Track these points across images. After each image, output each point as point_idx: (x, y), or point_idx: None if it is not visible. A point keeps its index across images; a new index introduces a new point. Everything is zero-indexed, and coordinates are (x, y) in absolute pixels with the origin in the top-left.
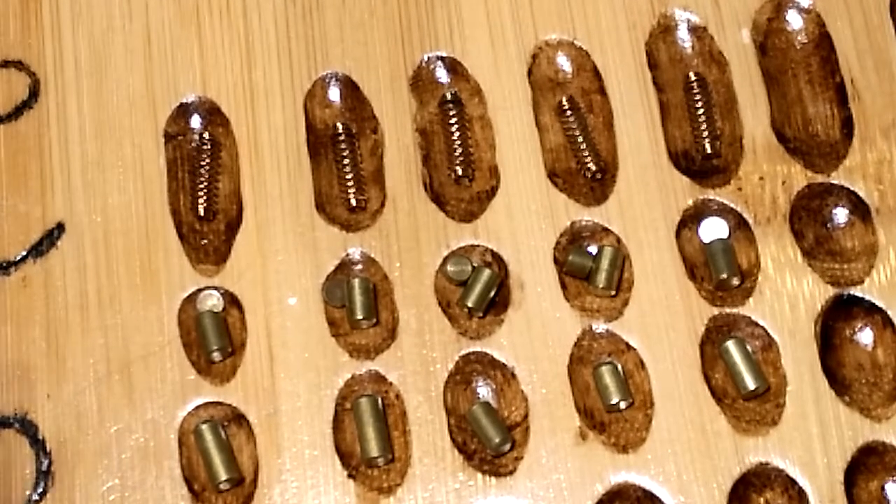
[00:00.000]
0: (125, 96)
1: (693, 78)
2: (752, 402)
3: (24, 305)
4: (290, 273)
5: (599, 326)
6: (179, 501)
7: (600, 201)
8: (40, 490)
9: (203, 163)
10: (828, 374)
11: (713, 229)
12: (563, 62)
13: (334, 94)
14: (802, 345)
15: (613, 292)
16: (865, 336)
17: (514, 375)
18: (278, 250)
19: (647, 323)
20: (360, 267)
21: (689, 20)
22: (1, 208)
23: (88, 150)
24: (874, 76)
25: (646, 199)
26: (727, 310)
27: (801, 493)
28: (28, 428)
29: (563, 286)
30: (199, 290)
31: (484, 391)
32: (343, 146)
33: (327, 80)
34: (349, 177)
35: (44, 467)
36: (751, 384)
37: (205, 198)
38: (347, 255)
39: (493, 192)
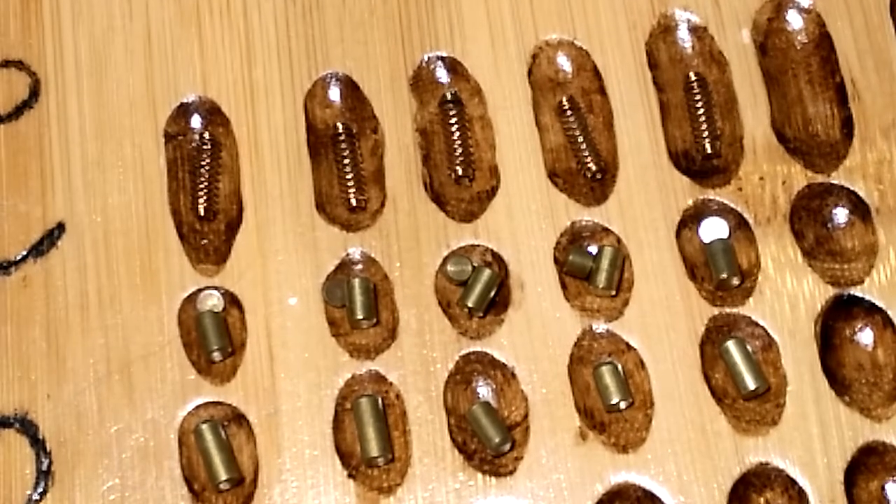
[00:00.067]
0: (125, 96)
1: (693, 78)
2: (752, 402)
3: (24, 305)
4: (290, 273)
5: (600, 326)
6: (179, 501)
7: (600, 201)
8: (40, 490)
9: (203, 163)
10: (828, 374)
11: (713, 229)
12: (564, 62)
13: (334, 93)
14: (802, 345)
15: (614, 292)
16: (865, 336)
17: (514, 375)
18: (278, 250)
19: (647, 323)
20: (360, 267)
21: (689, 20)
22: (1, 208)
23: (89, 150)
24: (874, 76)
25: (646, 199)
26: (727, 310)
27: (802, 493)
28: (28, 428)
29: (564, 286)
30: (200, 290)
31: (484, 391)
32: (343, 146)
33: (327, 80)
34: (349, 177)
35: (44, 467)
36: (751, 384)
37: (205, 198)
38: (348, 254)
39: (493, 192)
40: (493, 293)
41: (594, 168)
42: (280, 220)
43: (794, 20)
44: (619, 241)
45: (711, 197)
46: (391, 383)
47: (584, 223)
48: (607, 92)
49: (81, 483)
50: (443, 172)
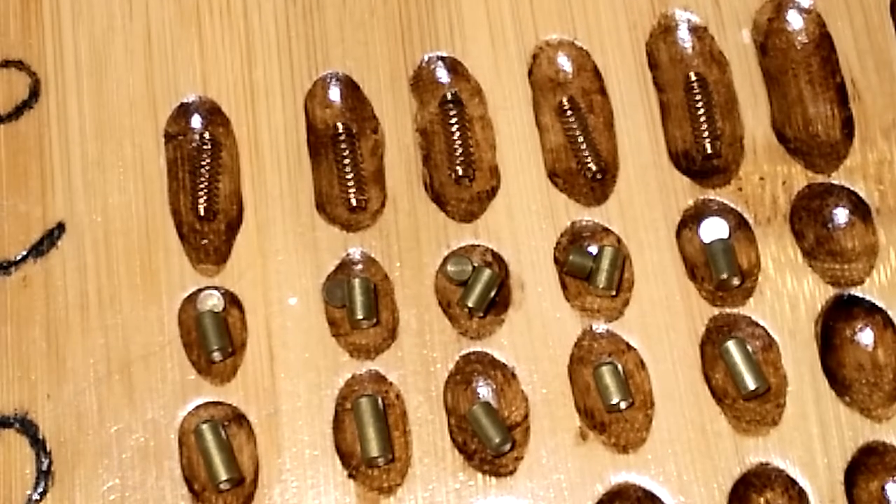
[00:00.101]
0: (126, 96)
1: (693, 78)
2: (752, 403)
3: (24, 305)
4: (290, 273)
5: (600, 326)
6: (180, 501)
7: (601, 201)
8: (40, 490)
9: (203, 163)
10: (828, 374)
11: (713, 229)
12: (564, 62)
13: (335, 94)
14: (803, 345)
15: (614, 292)
16: (866, 336)
17: (514, 375)
18: (279, 250)
19: (647, 323)
20: (360, 267)
21: (689, 20)
22: (1, 208)
23: (89, 150)
24: (875, 76)
25: (646, 200)
26: (727, 310)
27: (802, 494)
28: (28, 428)
29: (564, 286)
30: (200, 290)
31: (484, 391)
32: (343, 146)
33: (328, 80)
34: (349, 177)
35: (44, 467)
36: (751, 384)
37: (205, 198)
38: (348, 254)
39: (493, 192)
40: (493, 293)
41: (594, 168)
42: (280, 220)
43: (795, 20)
44: (619, 241)
45: (712, 197)
46: (391, 383)
47: (584, 223)
48: (607, 92)
49: (81, 483)
50: (443, 172)
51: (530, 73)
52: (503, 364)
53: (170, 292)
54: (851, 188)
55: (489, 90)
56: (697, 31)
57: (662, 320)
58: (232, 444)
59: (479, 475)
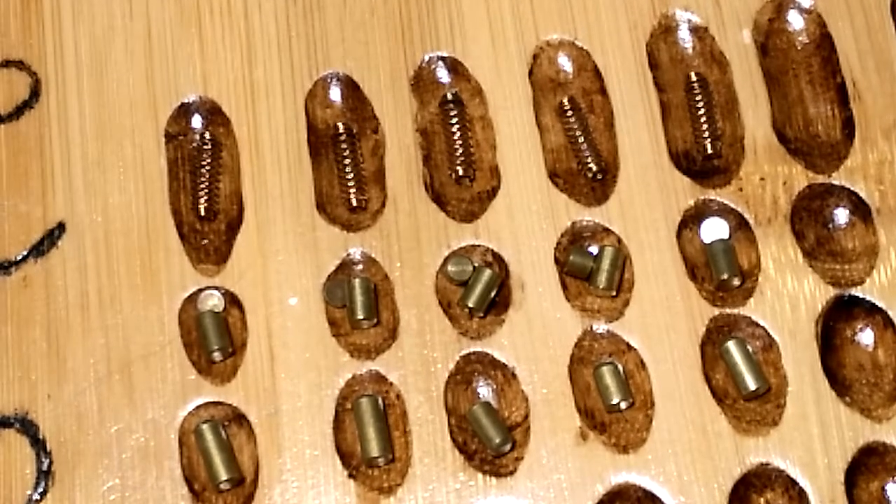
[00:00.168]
0: (126, 96)
1: (694, 78)
2: (752, 403)
3: (24, 305)
4: (290, 273)
5: (600, 327)
6: (180, 501)
7: (601, 201)
8: (41, 490)
9: (204, 163)
10: (828, 374)
11: (714, 230)
12: (564, 62)
13: (335, 94)
14: (803, 345)
15: (614, 293)
16: (866, 336)
17: (514, 375)
18: (279, 250)
19: (647, 323)
20: (360, 267)
21: (690, 20)
22: (2, 208)
23: (89, 150)
24: (875, 77)
25: (647, 200)
26: (728, 310)
27: (802, 494)
28: (28, 428)
29: (564, 286)
30: (200, 290)
31: (484, 391)
32: (344, 146)
33: (328, 80)
34: (350, 177)
35: (44, 467)
36: (751, 385)
37: (205, 198)
38: (348, 255)
39: (493, 192)
40: (493, 293)
41: (595, 168)
42: (280, 220)
43: (795, 21)
44: (619, 241)
45: (712, 197)
46: (392, 383)
47: (584, 223)
48: (608, 92)
49: (82, 483)
50: (443, 172)
51: (531, 73)
52: (503, 364)
53: (170, 292)
54: (852, 188)
55: (490, 90)
56: (698, 32)
57: (663, 320)
58: (232, 444)
59: (480, 475)
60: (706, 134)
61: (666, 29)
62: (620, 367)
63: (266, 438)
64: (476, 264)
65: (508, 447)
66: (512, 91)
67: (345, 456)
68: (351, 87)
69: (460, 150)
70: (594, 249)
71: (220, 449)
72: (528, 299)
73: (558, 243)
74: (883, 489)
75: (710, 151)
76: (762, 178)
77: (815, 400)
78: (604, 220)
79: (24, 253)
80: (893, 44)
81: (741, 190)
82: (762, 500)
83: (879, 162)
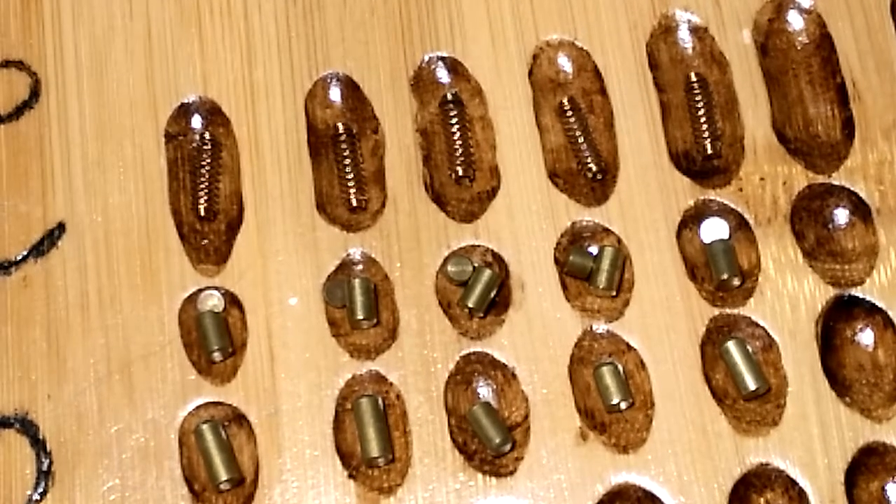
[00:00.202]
0: (126, 96)
1: (694, 78)
2: (752, 403)
3: (24, 305)
4: (290, 273)
5: (600, 327)
6: (180, 501)
7: (601, 202)
8: (41, 490)
9: (204, 163)
10: (828, 374)
11: (714, 230)
12: (564, 62)
13: (335, 94)
14: (803, 345)
15: (614, 293)
16: (866, 337)
17: (514, 376)
18: (279, 250)
19: (647, 323)
20: (360, 267)
21: (689, 21)
22: (2, 208)
23: (89, 150)
24: (875, 77)
25: (646, 200)
26: (728, 310)
27: (802, 494)
28: (28, 428)
29: (564, 286)
30: (200, 290)
31: (484, 391)
32: (344, 146)
33: (328, 81)
34: (350, 177)
35: (44, 467)
36: (751, 385)
37: (205, 198)
38: (348, 255)
39: (493, 192)
40: (493, 293)
41: (595, 168)
42: (280, 220)
43: (795, 21)
44: (619, 241)
45: (712, 197)
46: (391, 383)
47: (584, 223)
48: (608, 92)
49: (82, 483)
50: (443, 173)
51: (531, 73)
52: (503, 364)
53: (170, 292)
54: (852, 188)
55: (489, 90)
56: (698, 32)
57: (663, 321)
58: (232, 444)
59: (480, 475)
60: (706, 134)
61: (666, 29)
62: (620, 368)
63: (266, 438)
64: (476, 264)
65: (508, 447)
66: (512, 91)
67: (345, 456)
68: (351, 88)
69: (460, 151)
70: (594, 249)
71: (220, 449)
72: (528, 299)
73: (558, 243)
74: (883, 489)
75: (710, 151)
76: (762, 179)
77: (815, 400)
78: (604, 221)
79: (24, 253)
80: (893, 44)
81: (741, 190)
82: (762, 500)
83: (879, 162)
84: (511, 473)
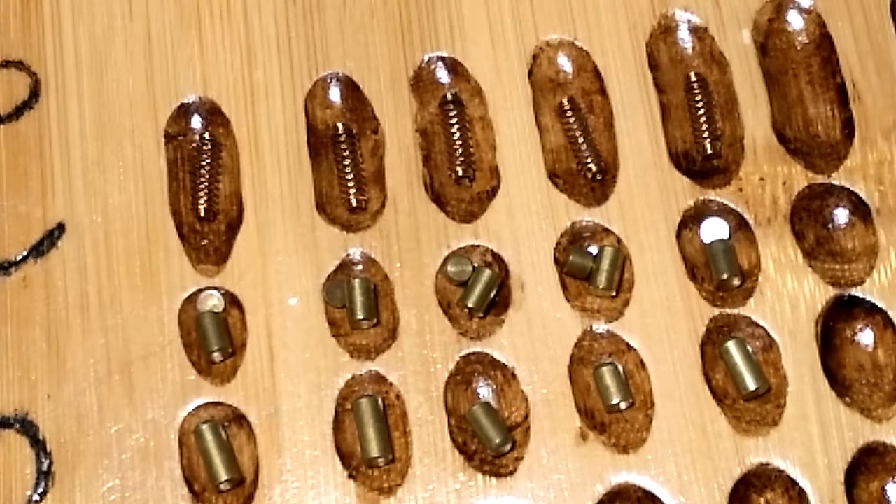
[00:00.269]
0: (126, 96)
1: (694, 78)
2: (752, 403)
3: (24, 306)
4: (290, 273)
5: (600, 327)
6: (180, 502)
7: (601, 202)
8: (41, 490)
9: (204, 163)
10: (828, 374)
11: (714, 230)
12: (564, 63)
13: (335, 94)
14: (803, 345)
15: (614, 293)
16: (866, 337)
17: (514, 376)
18: (279, 251)
19: (647, 323)
20: (360, 267)
21: (689, 21)
22: (2, 208)
23: (89, 151)
24: (875, 77)
25: (646, 200)
26: (728, 310)
27: (802, 494)
28: (28, 428)
29: (564, 287)
30: (200, 291)
31: (484, 391)
32: (344, 146)
33: (328, 81)
34: (350, 177)
35: (44, 468)
36: (751, 385)
37: (205, 198)
38: (348, 255)
39: (493, 192)
40: (493, 294)
41: (594, 168)
42: (280, 220)
43: (795, 21)
44: (619, 241)
45: (712, 197)
46: (391, 384)
47: (584, 223)
48: (608, 92)
49: (82, 483)
50: (443, 173)
51: (530, 73)
52: (503, 364)
53: (170, 292)
54: (852, 188)
55: (489, 90)
56: (698, 32)
57: (663, 321)
58: (232, 444)
59: (480, 475)
60: (706, 134)
61: (666, 29)
62: (620, 368)
63: (266, 439)
64: (476, 264)
65: (508, 447)
66: (512, 91)
67: (345, 456)
68: (351, 88)
69: (460, 151)
70: (594, 249)
71: (220, 449)
72: (528, 299)
73: (558, 243)
74: (883, 489)
75: (709, 152)
76: (762, 179)
77: (815, 400)
78: (603, 221)
79: (24, 253)
80: (893, 44)
81: (741, 190)
82: (762, 500)
83: (879, 162)
84: (511, 473)
